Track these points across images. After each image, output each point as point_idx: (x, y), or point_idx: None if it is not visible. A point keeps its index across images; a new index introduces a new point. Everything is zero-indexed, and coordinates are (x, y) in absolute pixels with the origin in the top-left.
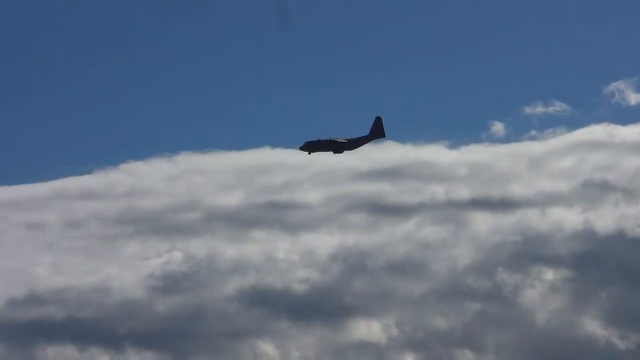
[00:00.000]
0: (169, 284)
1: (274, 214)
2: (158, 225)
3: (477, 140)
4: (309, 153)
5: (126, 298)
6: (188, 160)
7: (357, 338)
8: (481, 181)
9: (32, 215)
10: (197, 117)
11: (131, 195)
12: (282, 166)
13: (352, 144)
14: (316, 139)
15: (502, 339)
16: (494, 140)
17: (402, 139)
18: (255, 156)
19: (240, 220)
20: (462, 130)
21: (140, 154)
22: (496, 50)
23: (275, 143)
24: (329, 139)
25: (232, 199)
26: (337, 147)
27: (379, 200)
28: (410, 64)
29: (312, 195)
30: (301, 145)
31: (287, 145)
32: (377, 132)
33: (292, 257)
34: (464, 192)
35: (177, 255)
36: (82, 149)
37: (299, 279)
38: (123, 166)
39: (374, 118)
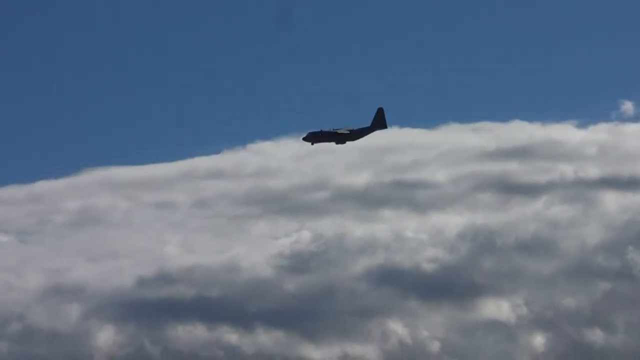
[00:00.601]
0: (298, 263)
1: (402, 193)
2: (286, 204)
3: (606, 119)
4: (312, 144)
5: (255, 277)
6: None
7: (486, 317)
8: (610, 160)
9: (162, 195)
10: (326, 96)
11: (259, 175)
12: (410, 146)
13: (355, 134)
14: (319, 129)
15: (632, 318)
16: (624, 119)
17: (530, 118)
18: (384, 135)
19: (368, 200)
20: (590, 109)
21: (269, 133)
22: (628, 29)
23: (403, 123)
24: (331, 130)
25: (361, 179)
26: (339, 138)
27: (507, 179)
28: (539, 43)
29: (440, 175)
30: (304, 135)
31: (416, 125)
32: (379, 123)
33: (421, 236)
34: (593, 171)
35: (306, 235)
36: (211, 129)
37: (428, 258)
38: (251, 146)
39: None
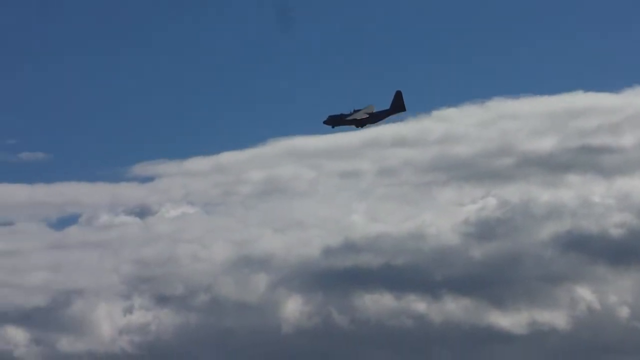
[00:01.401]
0: (484, 229)
1: (588, 158)
2: (472, 171)
3: None
4: (333, 127)
5: (441, 244)
6: (500, 106)
7: None
8: None
9: (347, 164)
10: (508, 61)
11: (444, 142)
12: (595, 110)
13: (374, 117)
14: (338, 113)
15: None
16: None
17: None
18: (568, 100)
19: (554, 165)
20: None
21: (453, 100)
22: None
23: (588, 87)
24: (351, 112)
25: (546, 144)
26: (358, 122)
27: None
28: None
29: (627, 139)
30: (324, 119)
31: (601, 89)
32: (397, 106)
33: (608, 202)
34: None
35: (492, 201)
36: None
37: (615, 223)
38: (436, 113)
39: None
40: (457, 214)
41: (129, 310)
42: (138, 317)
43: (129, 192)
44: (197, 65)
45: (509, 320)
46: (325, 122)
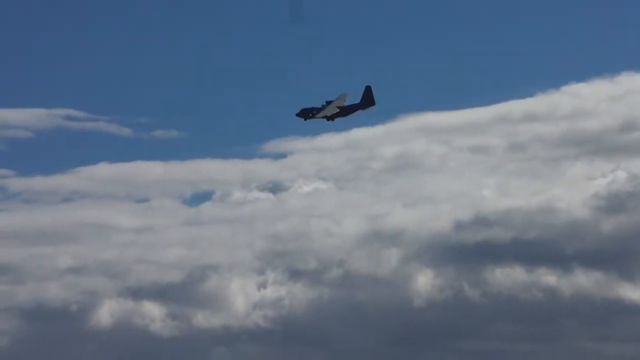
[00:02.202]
0: (614, 203)
1: None
2: (601, 145)
3: None
4: (305, 119)
5: (571, 218)
6: (630, 81)
7: None
8: None
9: (477, 139)
10: (637, 35)
11: (574, 117)
12: None
13: (344, 111)
14: (310, 106)
15: None
16: None
17: None
18: None
19: None
20: None
21: (582, 75)
22: None
23: None
24: (323, 106)
25: None
26: (329, 117)
27: None
28: None
29: None
30: (297, 112)
31: None
32: (367, 101)
33: None
34: None
35: (622, 175)
36: (524, 72)
37: None
38: (565, 88)
39: None
40: (586, 188)
41: (262, 285)
42: (272, 291)
43: (262, 168)
44: (328, 42)
45: (639, 292)
46: (297, 115)
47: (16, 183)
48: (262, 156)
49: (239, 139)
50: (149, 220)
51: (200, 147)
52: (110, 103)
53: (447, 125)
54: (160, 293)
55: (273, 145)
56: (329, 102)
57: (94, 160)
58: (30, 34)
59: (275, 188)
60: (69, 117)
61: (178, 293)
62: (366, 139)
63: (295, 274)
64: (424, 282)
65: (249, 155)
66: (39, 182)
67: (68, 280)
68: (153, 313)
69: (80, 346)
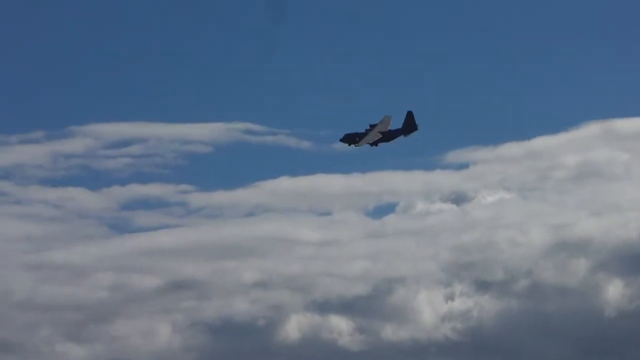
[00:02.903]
0: None
1: None
2: None
3: None
4: (349, 145)
5: None
6: None
7: None
8: None
9: None
10: None
11: None
12: None
13: (386, 136)
14: (353, 131)
15: None
16: None
17: None
18: None
19: None
20: None
21: None
22: None
23: None
24: (366, 130)
25: None
26: (372, 143)
27: None
28: None
29: None
30: (341, 137)
31: None
32: (409, 126)
33: None
34: None
35: None
36: None
37: None
38: None
39: None
40: None
41: (450, 297)
42: (459, 303)
43: (444, 179)
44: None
45: None
46: (341, 140)
47: (198, 198)
48: (444, 167)
49: (419, 150)
50: (332, 233)
51: (381, 159)
52: (289, 117)
53: (631, 133)
54: (347, 306)
55: (454, 156)
56: (372, 126)
57: (274, 174)
58: (208, 50)
59: (458, 199)
60: (248, 131)
61: (364, 306)
62: (549, 148)
63: (482, 286)
64: (614, 291)
65: (430, 167)
66: (221, 197)
67: (254, 294)
68: (340, 327)
69: None
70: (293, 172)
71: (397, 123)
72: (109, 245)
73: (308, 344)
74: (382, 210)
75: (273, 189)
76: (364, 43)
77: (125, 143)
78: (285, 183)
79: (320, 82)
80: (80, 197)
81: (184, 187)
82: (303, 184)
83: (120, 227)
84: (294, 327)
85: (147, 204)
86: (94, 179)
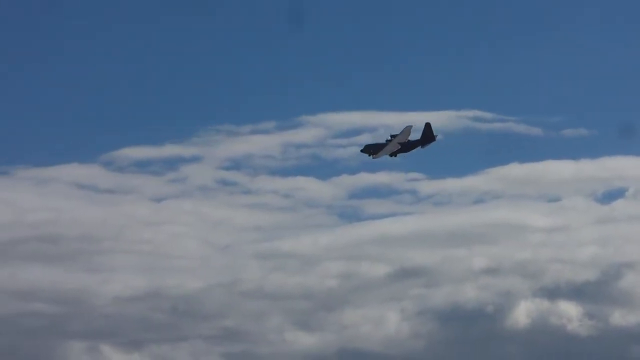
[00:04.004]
0: None
1: None
2: None
3: None
4: (369, 155)
5: None
6: None
7: None
8: None
9: None
10: None
11: None
12: None
13: (405, 147)
14: (374, 142)
15: None
16: None
17: None
18: None
19: None
20: None
21: None
22: None
23: None
24: (386, 140)
25: None
26: (392, 153)
27: None
28: None
29: None
30: (362, 148)
31: None
32: (428, 137)
33: None
34: None
35: None
36: None
37: None
38: None
39: None
40: None
41: None
42: None
43: None
44: None
45: None
46: (362, 151)
47: (427, 185)
48: None
49: None
50: (561, 219)
51: (610, 144)
52: (519, 103)
53: None
54: (576, 292)
55: None
56: (393, 136)
57: (504, 161)
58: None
59: None
60: (477, 119)
61: (594, 292)
62: None
63: None
64: None
65: None
66: (450, 184)
67: (483, 281)
68: (569, 312)
69: (498, 347)
70: (522, 159)
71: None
72: (338, 233)
73: (537, 330)
74: (612, 195)
75: (502, 175)
76: None
77: (354, 132)
78: (514, 169)
79: (551, 69)
80: (310, 186)
81: (413, 175)
82: (532, 170)
83: (349, 216)
84: (523, 313)
85: (376, 192)
86: (324, 168)
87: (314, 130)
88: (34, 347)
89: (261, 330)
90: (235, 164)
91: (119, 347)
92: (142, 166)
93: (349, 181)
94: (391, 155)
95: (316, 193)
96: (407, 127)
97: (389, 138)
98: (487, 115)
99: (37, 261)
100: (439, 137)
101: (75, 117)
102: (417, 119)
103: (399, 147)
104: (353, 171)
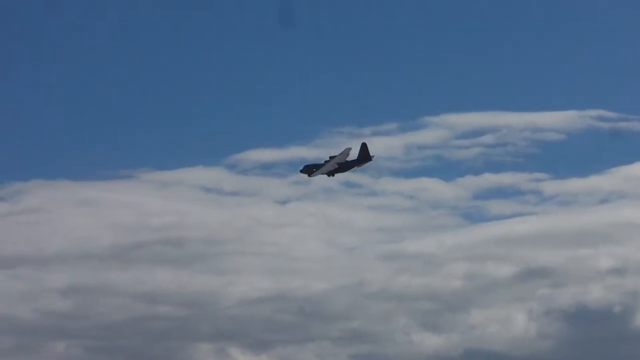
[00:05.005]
0: None
1: None
2: None
3: None
4: (308, 175)
5: None
6: None
7: None
8: None
9: None
10: None
11: None
12: None
13: (343, 167)
14: (312, 163)
15: None
16: None
17: None
18: None
19: None
20: None
21: None
22: None
23: None
24: (325, 161)
25: None
26: (329, 172)
27: None
28: None
29: None
30: (301, 168)
31: None
32: (364, 157)
33: None
34: None
35: None
36: None
37: None
38: None
39: None
40: None
41: None
42: None
43: None
44: None
45: None
46: (301, 171)
47: (551, 186)
48: None
49: None
50: None
51: None
52: None
53: None
54: None
55: None
56: (332, 157)
57: (629, 160)
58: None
59: None
60: (600, 118)
61: None
62: None
63: None
64: None
65: None
66: (574, 184)
67: (610, 281)
68: None
69: (625, 348)
70: None
71: None
72: (463, 234)
73: None
74: None
75: (628, 174)
76: None
77: (477, 133)
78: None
79: None
80: (434, 187)
81: (537, 175)
82: None
83: (474, 216)
84: None
85: (500, 192)
86: (447, 169)
87: (437, 131)
88: (162, 349)
89: (387, 331)
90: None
91: (246, 348)
92: (266, 168)
93: (473, 182)
94: (328, 174)
95: (440, 194)
96: (346, 149)
97: (327, 159)
98: (611, 114)
99: (163, 264)
100: (374, 157)
101: (199, 120)
102: (539, 120)
103: (337, 166)
104: (477, 172)
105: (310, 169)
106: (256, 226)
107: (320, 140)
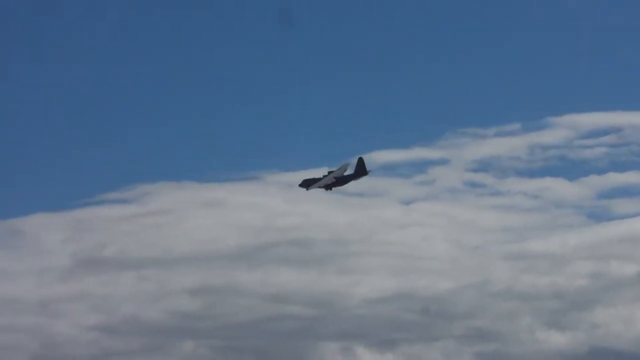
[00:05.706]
0: None
1: None
2: None
3: None
4: (306, 189)
5: None
6: None
7: None
8: None
9: None
10: None
11: None
12: None
13: (340, 181)
14: (312, 177)
15: None
16: None
17: None
18: None
19: None
20: None
21: None
22: None
23: None
24: (323, 176)
25: None
26: (327, 186)
27: None
28: None
29: None
30: (300, 182)
31: None
32: (360, 171)
33: None
34: None
35: None
36: None
37: None
38: None
39: None
40: None
41: None
42: None
43: None
44: None
45: None
46: (300, 185)
47: None
48: None
49: None
50: None
51: None
52: None
53: None
54: None
55: None
56: (330, 172)
57: None
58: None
59: None
60: None
61: None
62: None
63: None
64: None
65: None
66: None
67: None
68: None
69: None
70: None
71: None
72: (588, 233)
73: None
74: None
75: None
76: None
77: (601, 132)
78: None
79: None
80: (558, 187)
81: None
82: None
83: (598, 216)
84: None
85: (625, 191)
86: (572, 169)
87: (561, 131)
88: (290, 349)
89: (513, 330)
90: (483, 166)
91: (372, 347)
92: (391, 169)
93: (597, 181)
94: (326, 188)
95: (564, 194)
96: (344, 164)
97: (326, 174)
98: None
99: (289, 265)
100: (370, 172)
101: (322, 121)
102: None
103: (334, 180)
104: (601, 171)
105: (308, 183)
106: (381, 226)
107: (443, 142)
